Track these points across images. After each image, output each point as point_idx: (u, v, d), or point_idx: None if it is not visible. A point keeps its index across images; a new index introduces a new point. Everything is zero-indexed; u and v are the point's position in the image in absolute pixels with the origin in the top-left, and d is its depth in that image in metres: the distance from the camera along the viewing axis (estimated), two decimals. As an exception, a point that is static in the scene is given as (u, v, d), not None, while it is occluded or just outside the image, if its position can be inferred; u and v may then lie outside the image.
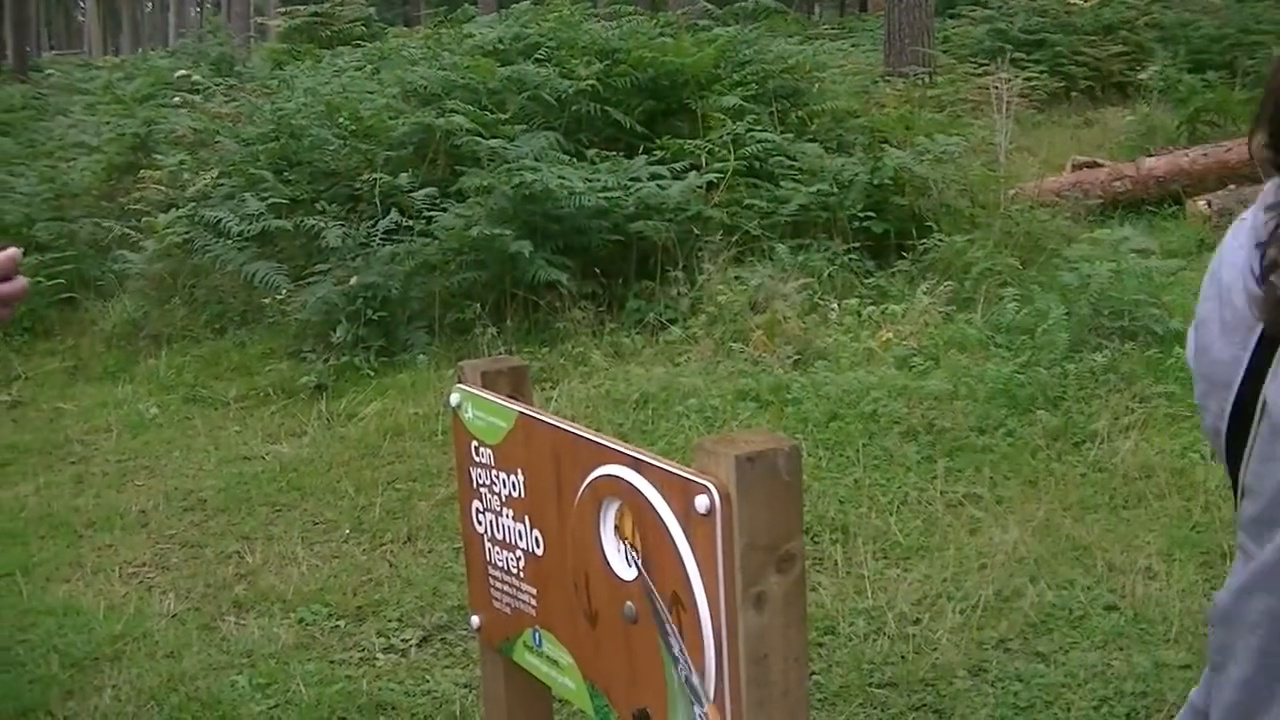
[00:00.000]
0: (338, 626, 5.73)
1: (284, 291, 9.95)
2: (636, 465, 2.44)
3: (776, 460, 2.21)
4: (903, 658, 5.14)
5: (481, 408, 2.98)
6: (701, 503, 2.22)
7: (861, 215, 10.34)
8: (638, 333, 9.31)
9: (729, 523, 2.20)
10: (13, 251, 2.47)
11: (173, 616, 5.93)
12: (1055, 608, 5.46)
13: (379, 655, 5.46)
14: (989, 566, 5.80)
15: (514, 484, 2.89)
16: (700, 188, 10.32)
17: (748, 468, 2.18)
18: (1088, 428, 7.19)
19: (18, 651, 5.63)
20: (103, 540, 6.84)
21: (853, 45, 21.10)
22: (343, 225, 10.07)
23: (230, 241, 10.41)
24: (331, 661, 5.43)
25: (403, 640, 5.57)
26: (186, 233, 10.78)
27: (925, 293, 9.13)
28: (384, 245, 9.84)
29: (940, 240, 9.96)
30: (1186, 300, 8.53)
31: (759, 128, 11.35)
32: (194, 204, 11.06)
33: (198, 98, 15.43)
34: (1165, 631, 5.22)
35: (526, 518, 2.87)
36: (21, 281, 2.49)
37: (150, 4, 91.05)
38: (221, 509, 7.14)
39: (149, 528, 6.98)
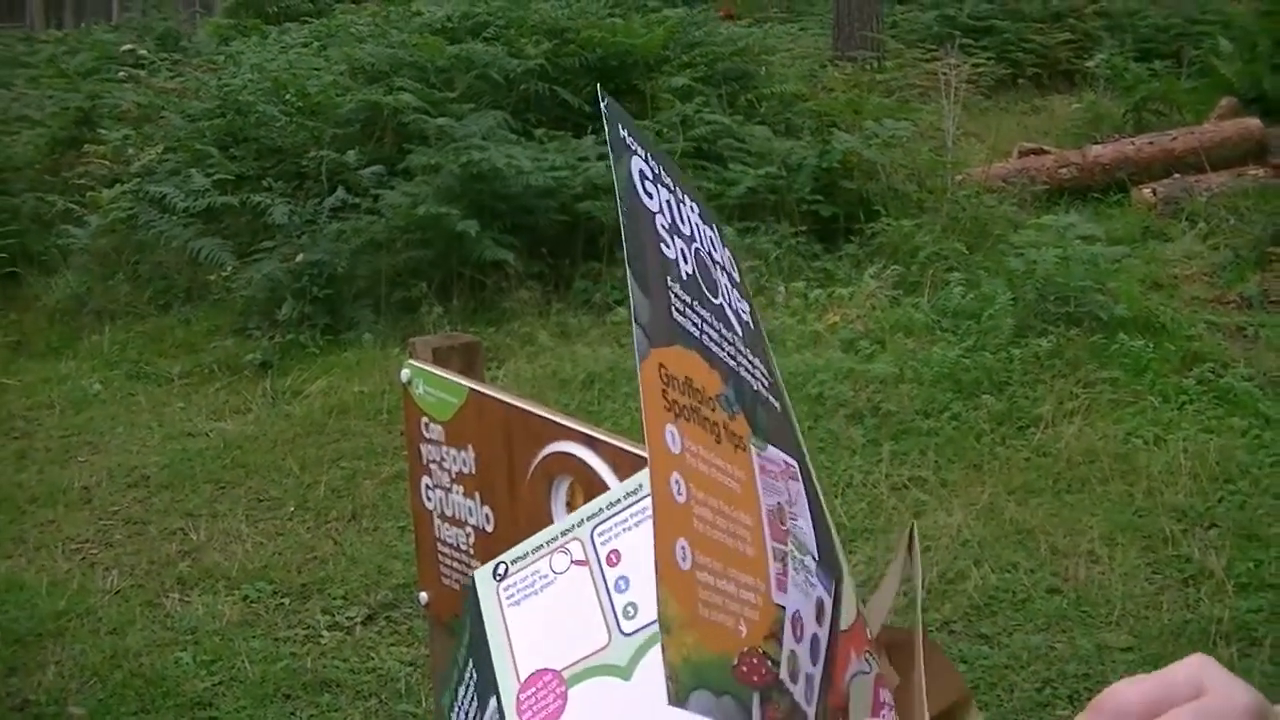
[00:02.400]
0: (282, 604, 5.72)
1: (229, 268, 9.90)
2: (589, 442, 2.44)
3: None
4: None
5: (432, 383, 2.97)
6: (654, 480, 2.22)
7: (809, 199, 10.36)
8: (585, 313, 9.31)
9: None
10: None
11: (116, 593, 5.90)
12: (999, 590, 5.50)
13: (324, 633, 5.45)
14: (933, 549, 5.83)
15: (465, 460, 2.89)
16: (649, 169, 10.30)
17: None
18: (1032, 412, 7.23)
19: (-41, 627, 5.60)
20: (46, 516, 6.79)
21: (801, 29, 21.04)
22: (289, 202, 10.02)
23: (175, 217, 10.34)
24: (276, 639, 5.42)
25: (347, 618, 5.56)
26: (131, 208, 10.69)
27: (872, 276, 9.16)
28: (330, 223, 9.80)
29: (888, 224, 9.99)
30: (1131, 287, 8.59)
31: (708, 110, 11.35)
32: (139, 179, 10.98)
33: (143, 73, 15.30)
34: (1108, 614, 5.26)
35: (477, 494, 2.86)
36: None
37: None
38: (165, 486, 7.11)
39: (92, 504, 6.94)
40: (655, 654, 0.78)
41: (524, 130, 10.93)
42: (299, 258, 9.41)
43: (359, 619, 5.56)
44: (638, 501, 0.90)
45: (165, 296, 10.49)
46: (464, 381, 2.90)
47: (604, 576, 0.88)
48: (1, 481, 7.30)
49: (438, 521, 3.07)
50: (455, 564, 3.03)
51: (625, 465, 2.35)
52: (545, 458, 2.57)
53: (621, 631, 0.83)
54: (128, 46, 17.92)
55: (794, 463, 0.92)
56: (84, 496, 7.06)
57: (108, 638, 5.48)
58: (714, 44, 12.89)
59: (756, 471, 0.86)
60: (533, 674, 0.82)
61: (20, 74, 18.48)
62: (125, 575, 6.07)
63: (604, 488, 2.40)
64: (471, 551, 2.95)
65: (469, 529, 2.94)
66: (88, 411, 8.44)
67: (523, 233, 9.84)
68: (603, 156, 10.24)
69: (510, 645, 0.88)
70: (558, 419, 2.59)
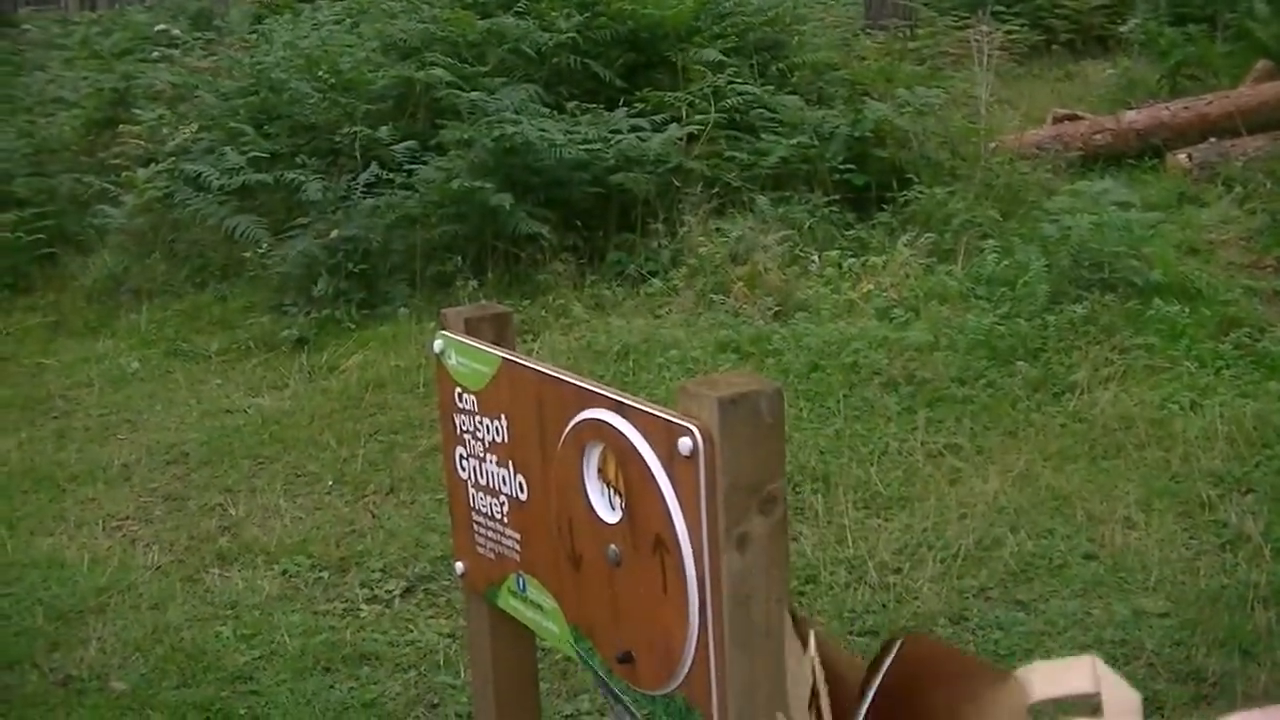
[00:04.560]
0: (321, 578, 5.75)
1: (264, 245, 9.93)
2: (620, 409, 2.45)
3: (759, 402, 2.22)
4: (884, 606, 5.18)
5: (465, 354, 2.99)
6: (685, 444, 2.24)
7: (842, 167, 10.34)
8: (618, 285, 9.31)
9: (712, 464, 2.22)
10: None
11: (156, 569, 5.94)
12: (1035, 557, 5.49)
13: (362, 606, 5.48)
14: (969, 516, 5.83)
15: (497, 429, 2.91)
16: (681, 140, 10.31)
17: (730, 409, 2.20)
18: (1067, 379, 7.21)
19: (2, 605, 5.66)
20: (86, 494, 6.84)
21: (833, -2, 20.99)
22: (323, 179, 10.04)
23: (210, 196, 10.37)
24: (315, 612, 5.45)
25: (386, 591, 5.59)
26: (166, 187, 10.74)
27: (906, 245, 9.14)
28: (364, 198, 9.82)
29: (921, 192, 9.96)
30: (1166, 253, 8.56)
31: (739, 80, 11.32)
32: (174, 158, 11.01)
33: (176, 52, 15.34)
34: (1144, 580, 5.25)
35: (510, 463, 2.88)
36: None
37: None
38: (204, 462, 7.15)
39: (131, 481, 6.99)
40: None
41: (556, 104, 10.93)
42: (333, 234, 9.44)
43: (398, 592, 5.58)
44: None
45: (201, 274, 10.54)
46: (496, 351, 2.92)
47: None
48: (42, 460, 7.36)
49: (472, 491, 3.09)
50: (490, 533, 3.05)
51: (655, 431, 2.36)
52: (577, 425, 2.59)
53: None
54: (161, 27, 17.98)
55: None
56: (123, 474, 7.10)
57: (148, 613, 5.53)
58: (745, 14, 12.84)
59: None
60: None
61: (55, 56, 18.57)
62: (165, 551, 6.12)
63: (635, 453, 2.41)
64: (505, 520, 2.98)
65: (503, 498, 2.96)
66: (126, 390, 8.49)
67: (556, 206, 9.86)
68: (635, 129, 10.25)
69: None
70: (589, 386, 2.60)
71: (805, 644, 1.05)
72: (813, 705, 1.03)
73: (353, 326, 9.02)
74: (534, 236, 9.52)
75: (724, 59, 11.61)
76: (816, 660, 1.02)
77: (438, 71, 10.89)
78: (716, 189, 10.07)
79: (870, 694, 1.06)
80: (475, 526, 3.08)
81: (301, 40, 13.00)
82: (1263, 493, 5.91)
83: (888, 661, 1.05)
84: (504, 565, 2.97)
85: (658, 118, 10.56)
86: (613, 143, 9.95)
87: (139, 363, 8.93)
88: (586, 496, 2.56)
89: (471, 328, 3.02)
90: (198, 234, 10.77)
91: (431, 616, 5.37)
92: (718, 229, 9.43)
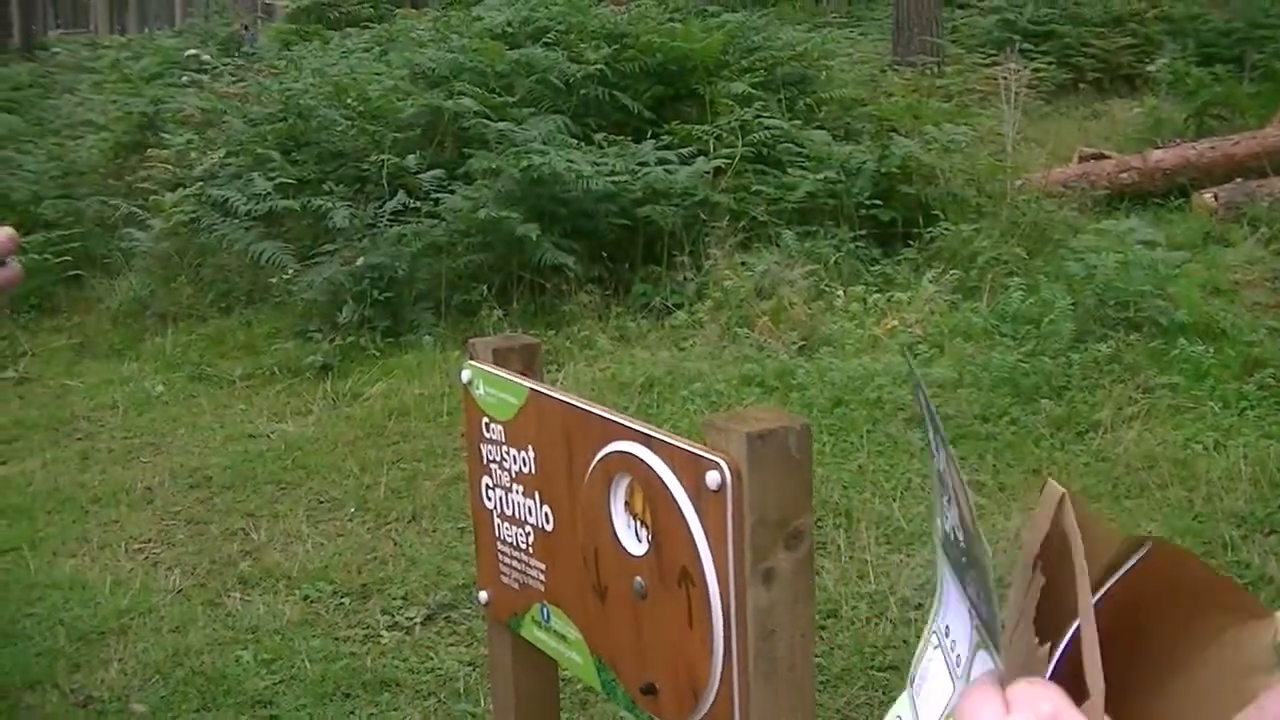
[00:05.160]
0: (342, 604, 5.75)
1: (290, 271, 9.97)
2: (648, 441, 2.46)
3: (788, 438, 2.23)
4: (904, 642, 5.16)
5: (493, 384, 3.00)
6: (713, 479, 2.24)
7: (868, 203, 10.35)
8: (644, 317, 9.33)
9: (740, 499, 2.22)
10: (9, 232, 2.40)
11: (178, 592, 5.95)
12: (1057, 595, 5.47)
13: (383, 633, 5.48)
14: (993, 553, 5.81)
15: (524, 460, 2.91)
16: (708, 173, 10.34)
17: (759, 444, 2.20)
18: (1091, 417, 7.20)
19: (25, 625, 5.66)
20: (109, 516, 6.86)
21: (861, 34, 21.05)
22: (350, 206, 10.08)
23: (237, 221, 10.42)
24: (336, 638, 5.45)
25: (407, 618, 5.59)
26: (193, 212, 10.79)
27: (931, 281, 9.14)
28: (391, 226, 9.86)
29: (947, 229, 9.97)
30: (1191, 292, 8.54)
31: (767, 114, 11.35)
32: (201, 183, 11.07)
33: (205, 77, 15.43)
34: (1166, 620, 5.23)
35: (537, 493, 2.89)
36: (15, 268, 2.44)
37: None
38: (227, 486, 7.17)
39: (154, 504, 7.00)
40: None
41: (584, 135, 10.97)
42: (359, 261, 9.46)
43: (418, 619, 5.58)
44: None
45: (227, 299, 10.57)
46: (524, 382, 2.93)
47: (947, 647, 0.99)
48: (65, 481, 7.38)
49: (497, 521, 3.10)
50: (515, 563, 3.05)
51: (684, 464, 2.37)
52: (605, 457, 2.60)
53: (956, 677, 0.95)
54: (191, 51, 18.09)
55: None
56: (146, 496, 7.12)
57: (170, 636, 5.53)
58: (773, 48, 12.90)
59: None
60: None
61: (84, 79, 18.69)
62: (187, 574, 6.12)
63: (662, 486, 2.42)
64: (531, 550, 2.98)
65: (528, 528, 2.96)
66: (150, 413, 8.52)
67: (582, 237, 9.88)
68: (662, 161, 10.27)
69: None
70: (617, 419, 2.61)
71: (1059, 501, 1.03)
72: (1037, 562, 1.02)
73: (377, 354, 9.04)
74: (560, 267, 9.54)
75: (752, 93, 11.66)
76: (1072, 516, 1.01)
77: (466, 101, 10.94)
78: (743, 223, 10.09)
79: (1109, 584, 1.04)
80: (500, 556, 3.08)
81: (330, 67, 13.09)
82: (1286, 535, 5.89)
83: (1134, 559, 1.04)
84: (528, 595, 2.98)
85: (685, 150, 10.60)
86: (640, 175, 9.98)
87: (163, 386, 8.96)
88: (613, 528, 2.56)
89: (500, 358, 3.03)
90: (224, 259, 10.81)
91: (452, 644, 5.36)
92: (743, 263, 9.44)
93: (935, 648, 1.00)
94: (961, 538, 0.97)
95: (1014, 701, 0.81)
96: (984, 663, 0.93)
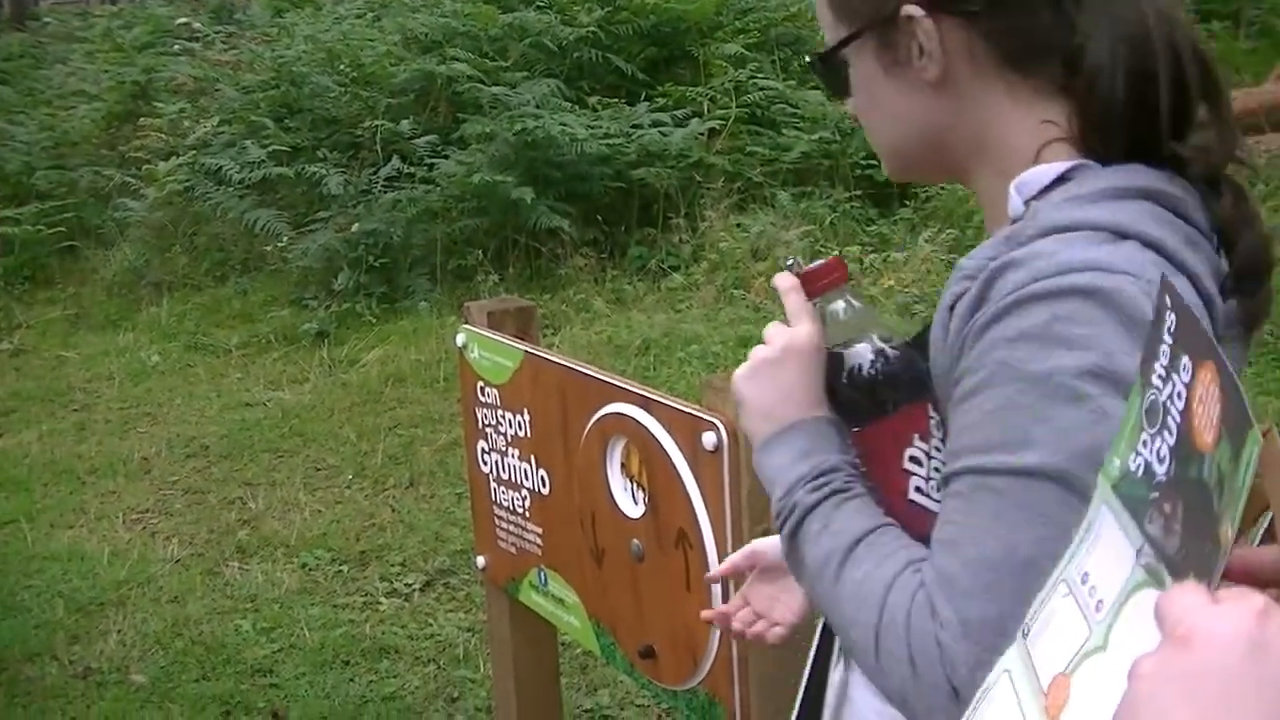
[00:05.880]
0: (340, 571, 5.75)
1: (285, 239, 9.93)
2: (644, 403, 2.44)
3: (784, 397, 2.20)
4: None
5: (488, 348, 2.98)
6: (709, 440, 2.22)
7: (864, 163, 10.29)
8: (639, 279, 9.30)
9: (737, 460, 2.20)
10: None
11: (176, 562, 5.94)
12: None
13: (382, 599, 5.48)
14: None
15: (520, 423, 2.89)
16: (702, 135, 10.29)
17: (756, 404, 2.18)
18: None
19: (23, 597, 5.66)
20: (106, 487, 6.85)
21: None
22: (344, 172, 10.04)
23: (231, 189, 10.37)
24: (334, 606, 5.45)
25: (405, 585, 5.59)
26: (187, 180, 10.74)
27: (927, 241, 9.10)
28: (385, 192, 9.82)
29: (942, 188, 9.93)
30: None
31: (761, 75, 11.29)
32: (194, 152, 11.01)
33: (197, 45, 15.34)
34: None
35: (533, 457, 2.87)
36: None
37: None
38: (224, 455, 7.15)
39: (152, 474, 6.99)
40: (1120, 625, 0.92)
41: (577, 98, 10.92)
42: (354, 228, 9.43)
43: (417, 585, 5.58)
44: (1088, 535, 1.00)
45: (222, 268, 10.54)
46: (519, 345, 2.91)
47: (1084, 594, 0.99)
48: (62, 453, 7.36)
49: (494, 485, 3.08)
50: (511, 528, 3.03)
51: (680, 426, 2.35)
52: (600, 419, 2.58)
53: (1094, 623, 0.94)
54: (182, 20, 17.97)
55: None
56: (143, 467, 7.11)
57: (168, 606, 5.53)
58: (767, 9, 12.81)
59: None
60: (1051, 682, 0.95)
61: (76, 49, 18.56)
62: (185, 544, 6.12)
63: (659, 448, 2.40)
64: (527, 514, 2.96)
65: (525, 492, 2.94)
66: (146, 383, 8.49)
67: (577, 200, 9.84)
68: (656, 123, 10.23)
69: (1036, 672, 1.00)
70: (613, 381, 2.59)
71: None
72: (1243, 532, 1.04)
73: (373, 320, 9.02)
74: (555, 231, 9.51)
75: (746, 54, 11.59)
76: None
77: (459, 65, 10.88)
78: (738, 184, 10.05)
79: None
80: (497, 521, 3.06)
81: (323, 34, 12.99)
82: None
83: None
84: (525, 559, 2.96)
85: (679, 112, 10.54)
86: (634, 137, 9.94)
87: (159, 356, 8.93)
88: (609, 491, 2.55)
89: (494, 322, 3.00)
90: (218, 227, 10.77)
91: (451, 610, 5.36)
92: (738, 224, 9.41)
93: (1065, 595, 0.99)
94: (1169, 469, 0.94)
95: (1223, 596, 0.81)
96: (1141, 604, 0.92)
